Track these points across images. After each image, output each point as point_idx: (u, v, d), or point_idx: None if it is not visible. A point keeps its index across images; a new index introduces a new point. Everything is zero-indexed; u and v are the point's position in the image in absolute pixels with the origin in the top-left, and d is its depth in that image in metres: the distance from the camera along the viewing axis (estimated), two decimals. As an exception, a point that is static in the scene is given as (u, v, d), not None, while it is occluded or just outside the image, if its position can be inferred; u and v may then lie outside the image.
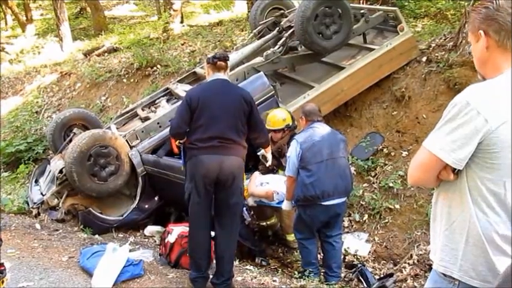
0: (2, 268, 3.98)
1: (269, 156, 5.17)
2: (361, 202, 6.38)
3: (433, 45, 7.58)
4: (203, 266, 4.50)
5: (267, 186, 5.76)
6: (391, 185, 6.35)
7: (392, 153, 6.78)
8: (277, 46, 7.13)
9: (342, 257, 5.61)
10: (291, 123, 5.91)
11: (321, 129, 5.31)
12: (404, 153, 6.65)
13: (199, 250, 4.51)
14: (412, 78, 7.22)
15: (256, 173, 5.99)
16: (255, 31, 8.15)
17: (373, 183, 6.54)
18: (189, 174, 4.45)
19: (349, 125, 7.42)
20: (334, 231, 5.37)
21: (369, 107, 7.43)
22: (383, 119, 7.23)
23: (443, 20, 9.43)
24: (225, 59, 4.51)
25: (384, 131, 7.10)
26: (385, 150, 6.87)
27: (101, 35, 15.37)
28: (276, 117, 5.90)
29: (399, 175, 6.38)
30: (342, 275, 5.47)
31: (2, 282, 3.96)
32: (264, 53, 7.01)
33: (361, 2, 10.17)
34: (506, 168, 1.99)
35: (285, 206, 5.44)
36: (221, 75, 4.50)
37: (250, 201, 5.87)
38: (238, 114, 4.38)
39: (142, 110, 7.28)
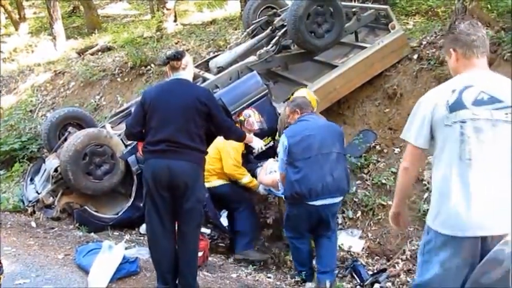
0: (0, 265, 4.04)
1: (256, 144, 4.91)
2: (354, 199, 6.43)
3: (424, 42, 7.66)
4: (169, 279, 4.21)
5: (274, 174, 5.61)
6: (383, 181, 6.41)
7: (385, 150, 6.85)
8: (270, 45, 7.19)
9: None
10: None
11: (313, 122, 5.00)
12: (397, 150, 6.72)
13: (163, 262, 4.22)
14: (404, 76, 7.30)
15: (270, 160, 5.94)
16: (248, 30, 8.19)
17: (366, 180, 6.60)
18: (143, 179, 4.26)
19: (342, 122, 7.47)
20: (328, 231, 5.03)
21: (361, 104, 7.51)
22: (375, 116, 7.31)
23: (434, 17, 9.52)
24: (176, 57, 4.18)
25: (376, 128, 7.18)
26: (377, 147, 6.95)
27: (94, 33, 15.37)
28: (315, 100, 5.89)
29: (392, 172, 6.44)
30: (336, 271, 5.36)
31: (-1, 279, 4.01)
32: (257, 52, 7.06)
33: (353, 0, 10.26)
34: (448, 141, 2.84)
35: None
36: (179, 75, 4.21)
37: (261, 190, 5.90)
38: (192, 116, 4.04)
39: (137, 108, 7.32)
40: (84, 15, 17.76)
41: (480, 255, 2.70)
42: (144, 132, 4.19)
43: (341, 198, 4.96)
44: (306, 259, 5.14)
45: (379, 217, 6.18)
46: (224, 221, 6.16)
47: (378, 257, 5.91)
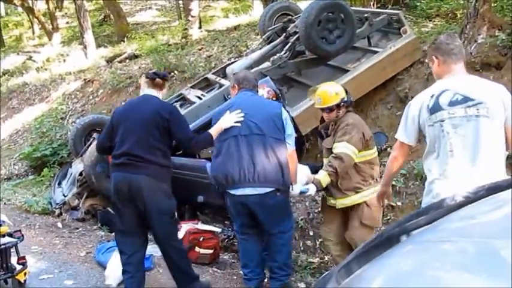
0: (24, 261, 4.41)
1: (226, 123, 4.28)
2: (364, 199, 6.59)
3: (436, 46, 7.75)
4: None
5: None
6: (393, 183, 6.53)
7: (395, 152, 6.97)
8: (283, 51, 7.39)
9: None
10: (346, 97, 4.68)
11: (244, 99, 4.35)
12: (408, 152, 6.83)
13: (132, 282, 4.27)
14: (416, 79, 7.41)
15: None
16: (264, 36, 8.44)
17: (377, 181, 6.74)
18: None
19: (355, 125, 7.63)
20: (272, 228, 4.30)
21: (374, 107, 7.66)
22: (388, 119, 7.45)
23: (453, 19, 9.56)
24: (165, 77, 4.41)
25: (388, 131, 7.28)
26: (389, 149, 7.05)
27: (123, 41, 15.81)
28: (328, 93, 4.60)
29: (401, 173, 6.58)
30: (284, 278, 4.53)
31: (25, 274, 4.38)
32: (271, 58, 7.28)
33: (371, 3, 10.38)
34: (432, 138, 3.37)
35: None
36: (151, 92, 4.29)
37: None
38: (151, 130, 4.09)
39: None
40: (114, 23, 18.22)
41: None
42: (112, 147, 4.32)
43: (270, 189, 4.10)
44: (248, 260, 4.46)
45: (388, 218, 6.32)
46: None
47: (386, 257, 6.05)
